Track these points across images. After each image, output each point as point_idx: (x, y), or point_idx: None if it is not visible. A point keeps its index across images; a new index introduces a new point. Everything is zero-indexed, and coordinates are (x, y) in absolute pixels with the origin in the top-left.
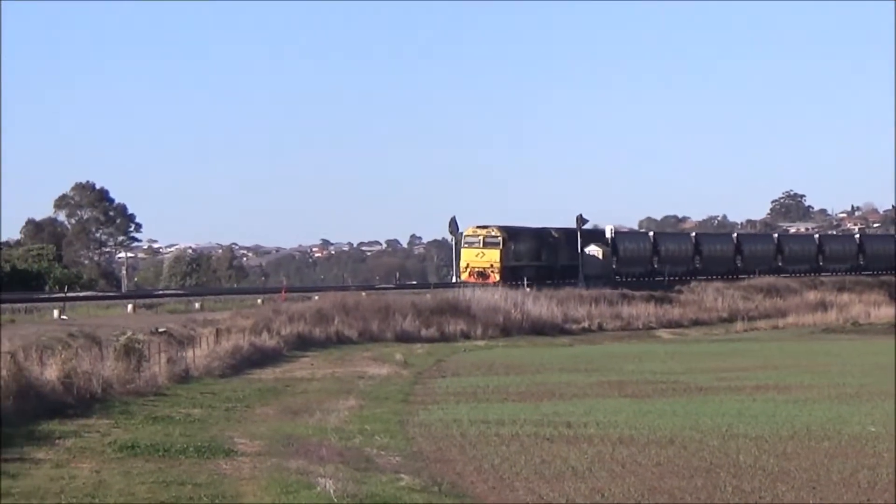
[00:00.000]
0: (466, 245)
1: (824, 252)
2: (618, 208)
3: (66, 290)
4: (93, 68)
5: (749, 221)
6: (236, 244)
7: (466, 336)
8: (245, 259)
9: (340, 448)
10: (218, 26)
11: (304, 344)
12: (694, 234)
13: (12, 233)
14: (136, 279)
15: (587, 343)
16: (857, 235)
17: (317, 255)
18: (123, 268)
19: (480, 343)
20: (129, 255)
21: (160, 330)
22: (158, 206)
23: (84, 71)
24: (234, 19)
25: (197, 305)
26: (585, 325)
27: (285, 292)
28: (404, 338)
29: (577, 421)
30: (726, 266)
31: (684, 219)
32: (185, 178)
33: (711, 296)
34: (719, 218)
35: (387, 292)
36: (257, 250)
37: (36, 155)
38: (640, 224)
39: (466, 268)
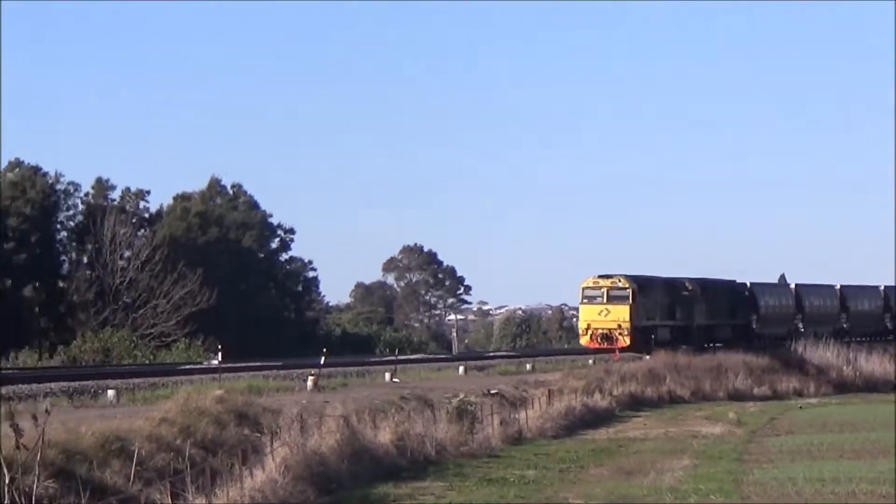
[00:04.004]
0: (586, 300)
1: None
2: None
3: (396, 352)
4: (444, 141)
5: None
6: (566, 304)
7: (799, 393)
8: (575, 320)
9: None
10: None
11: (636, 404)
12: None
13: (342, 297)
14: (466, 341)
15: None
16: None
17: None
18: (454, 330)
19: (813, 400)
20: (459, 317)
21: (492, 392)
22: (487, 267)
23: (420, 143)
24: None
25: (528, 366)
26: None
27: (619, 352)
28: (736, 396)
29: None
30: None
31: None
32: (513, 239)
33: None
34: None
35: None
36: None
37: (364, 219)
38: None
39: (587, 329)
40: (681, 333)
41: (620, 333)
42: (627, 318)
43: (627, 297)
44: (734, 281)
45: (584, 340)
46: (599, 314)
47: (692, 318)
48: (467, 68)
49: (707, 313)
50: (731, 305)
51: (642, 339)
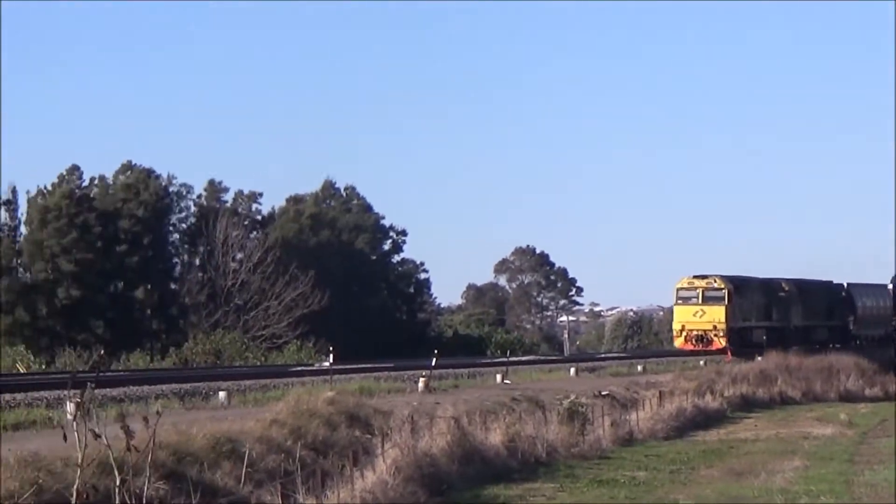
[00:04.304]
0: (680, 301)
1: None
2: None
3: (508, 354)
4: (557, 142)
5: None
6: None
7: None
8: None
9: None
10: None
11: (747, 405)
12: None
13: (454, 298)
14: (577, 342)
15: None
16: None
17: None
18: (565, 331)
19: None
20: (571, 318)
21: (603, 393)
22: (599, 269)
23: (533, 144)
24: None
25: (639, 368)
26: None
27: (731, 353)
28: (848, 397)
29: None
30: None
31: None
32: (624, 240)
33: None
34: None
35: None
36: None
37: (476, 221)
38: None
39: (681, 331)
40: (777, 335)
41: (716, 335)
42: (723, 320)
43: (723, 298)
44: (831, 282)
45: (678, 342)
46: (694, 315)
47: (789, 319)
48: (581, 71)
49: (804, 314)
50: (828, 306)
51: (738, 340)
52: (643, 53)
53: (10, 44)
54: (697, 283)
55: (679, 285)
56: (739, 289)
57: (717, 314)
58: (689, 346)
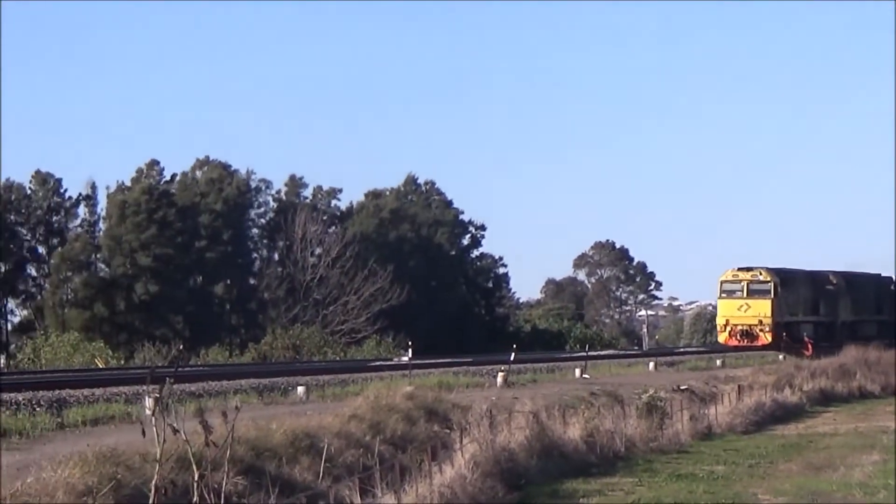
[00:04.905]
0: (725, 295)
1: None
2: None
3: (587, 348)
4: (637, 138)
5: None
6: None
7: None
8: None
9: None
10: None
11: (826, 399)
12: None
13: (533, 293)
14: (656, 337)
15: None
16: None
17: None
18: (644, 326)
19: None
20: (650, 312)
21: (682, 387)
22: (678, 263)
23: (612, 140)
24: None
25: (718, 362)
26: None
27: (811, 348)
28: None
29: None
30: None
31: None
32: (702, 234)
33: None
34: None
35: None
36: None
37: (555, 215)
38: None
39: (725, 326)
40: (824, 330)
41: (761, 330)
42: (769, 314)
43: (769, 291)
44: (880, 275)
45: (722, 338)
46: (739, 309)
47: (836, 313)
48: (664, 61)
49: (852, 308)
50: (876, 300)
51: (785, 335)
52: (735, 47)
53: (86, 39)
54: (742, 275)
55: (723, 278)
56: (785, 281)
57: (762, 308)
58: (734, 342)
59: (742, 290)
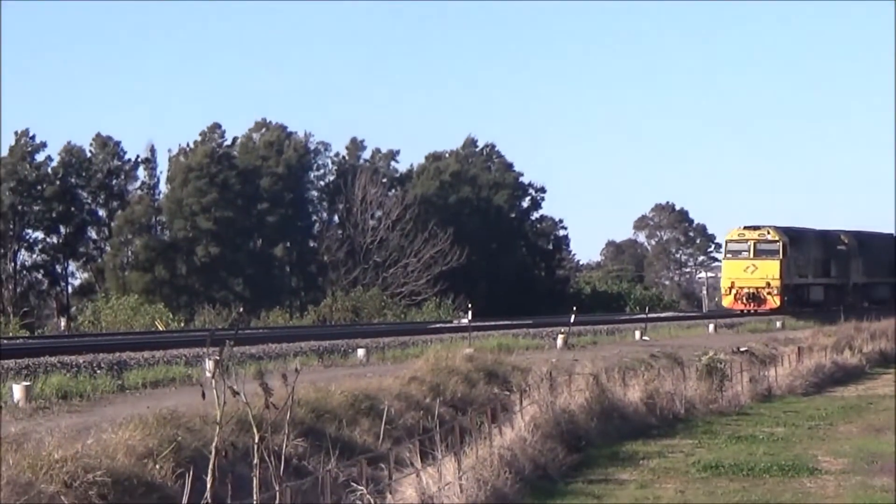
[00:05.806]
0: (730, 255)
1: None
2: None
3: (647, 310)
4: (697, 98)
5: None
6: None
7: None
8: None
9: None
10: None
11: (886, 361)
12: None
13: (593, 255)
14: (716, 299)
15: None
16: None
17: None
18: (704, 288)
19: None
20: (710, 274)
21: (742, 349)
22: (738, 224)
23: (673, 100)
24: None
25: (778, 324)
26: None
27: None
28: None
29: None
30: None
31: None
32: (762, 196)
33: None
34: None
35: None
36: None
37: (616, 177)
38: None
39: (731, 288)
40: (835, 293)
41: (769, 293)
42: (777, 276)
43: (778, 252)
44: (893, 234)
45: (727, 301)
46: (745, 270)
47: (848, 275)
48: (715, 28)
49: (865, 270)
50: (891, 261)
51: (794, 298)
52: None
53: (146, 3)
54: (748, 234)
55: (728, 237)
56: (795, 241)
57: (770, 269)
58: (739, 306)
59: (749, 251)
